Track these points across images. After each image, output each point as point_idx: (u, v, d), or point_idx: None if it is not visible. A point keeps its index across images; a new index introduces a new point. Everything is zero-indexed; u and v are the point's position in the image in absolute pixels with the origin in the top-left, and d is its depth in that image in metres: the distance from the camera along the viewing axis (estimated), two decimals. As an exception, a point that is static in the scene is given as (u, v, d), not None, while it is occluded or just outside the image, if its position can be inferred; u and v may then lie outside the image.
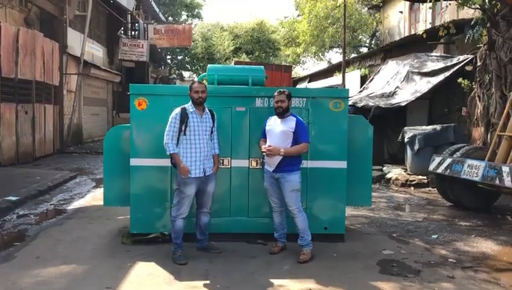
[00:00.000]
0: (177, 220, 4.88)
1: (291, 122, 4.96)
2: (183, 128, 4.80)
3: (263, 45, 36.45)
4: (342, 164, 5.50)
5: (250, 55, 35.52)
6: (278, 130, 4.99)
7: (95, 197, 8.41)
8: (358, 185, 5.74)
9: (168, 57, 39.23)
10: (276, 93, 5.04)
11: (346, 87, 12.77)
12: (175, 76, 40.86)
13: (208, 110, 5.02)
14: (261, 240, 5.52)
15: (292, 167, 4.95)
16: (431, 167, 7.95)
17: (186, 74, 43.82)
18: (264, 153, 5.06)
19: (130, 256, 5.05)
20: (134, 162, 5.40)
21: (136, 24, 25.90)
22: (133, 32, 25.87)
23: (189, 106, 4.90)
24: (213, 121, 5.02)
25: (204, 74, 6.13)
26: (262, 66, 6.24)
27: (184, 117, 4.81)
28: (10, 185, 8.68)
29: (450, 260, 5.11)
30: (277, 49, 36.49)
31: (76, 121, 17.13)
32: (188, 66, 41.24)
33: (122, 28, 24.42)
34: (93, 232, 6.06)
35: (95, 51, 19.89)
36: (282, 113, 5.00)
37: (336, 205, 5.57)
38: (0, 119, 11.55)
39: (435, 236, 6.07)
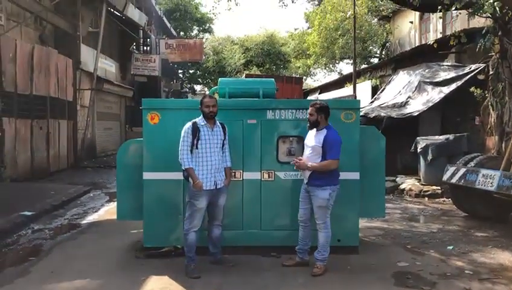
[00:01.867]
0: (190, 234, 4.90)
1: (321, 137, 4.89)
2: (195, 142, 4.83)
3: (273, 57, 36.58)
4: (355, 175, 5.48)
5: (261, 68, 35.68)
6: (310, 144, 4.98)
7: (108, 211, 8.46)
8: (372, 197, 5.70)
9: (180, 71, 39.56)
10: (310, 105, 5.02)
11: (357, 98, 12.76)
12: (187, 90, 41.16)
13: (219, 124, 5.05)
14: (275, 253, 5.49)
15: (321, 181, 4.88)
16: (445, 177, 7.87)
17: (197, 88, 44.15)
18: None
19: (144, 270, 5.06)
20: (147, 175, 5.44)
21: (148, 39, 26.21)
22: (145, 48, 26.18)
23: (200, 120, 4.94)
24: (224, 134, 5.05)
25: (215, 87, 6.17)
26: (273, 79, 6.27)
27: (195, 131, 4.85)
28: (25, 200, 8.77)
29: (466, 271, 5.03)
30: (287, 62, 36.60)
31: (89, 135, 17.30)
32: (200, 79, 41.54)
33: (135, 44, 24.72)
34: (107, 247, 6.09)
35: (108, 66, 20.15)
36: (311, 126, 4.98)
37: (349, 216, 5.53)
38: (16, 135, 11.72)
39: (451, 247, 5.99)
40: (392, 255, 5.61)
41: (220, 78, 6.25)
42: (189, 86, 42.65)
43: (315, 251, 5.05)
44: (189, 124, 4.89)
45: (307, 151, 5.00)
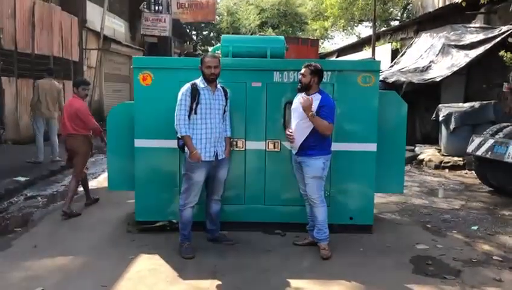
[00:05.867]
0: (186, 210, 4.36)
1: (314, 102, 4.29)
2: (193, 106, 4.23)
3: (290, 18, 35.36)
4: (371, 147, 4.86)
5: (276, 30, 34.52)
6: (300, 110, 4.37)
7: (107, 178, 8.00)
8: (390, 171, 5.09)
9: (194, 32, 38.63)
10: (303, 66, 4.41)
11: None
12: (200, 52, 40.29)
13: (220, 87, 4.44)
14: (279, 230, 4.97)
15: (314, 150, 4.32)
16: (470, 149, 7.23)
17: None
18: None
19: (134, 247, 4.59)
20: (139, 143, 4.90)
21: (159, -2, 25.32)
22: (156, 7, 25.30)
23: (199, 82, 4.32)
24: (226, 100, 4.45)
25: (217, 45, 5.54)
26: (283, 37, 5.59)
27: (195, 94, 4.23)
28: (22, 164, 8.38)
29: (494, 257, 4.44)
30: (304, 23, 35.36)
31: (97, 97, 16.79)
32: (213, 41, 40.58)
33: (145, 2, 23.85)
34: (100, 218, 5.64)
35: (117, 26, 19.44)
36: (301, 89, 4.40)
37: (363, 192, 4.96)
38: (17, 96, 11.26)
39: (475, 227, 5.40)
40: (410, 236, 5.05)
41: (222, 36, 5.59)
42: (202, 48, 41.73)
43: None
44: (187, 86, 4.27)
45: (297, 119, 4.39)
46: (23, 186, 7.12)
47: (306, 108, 4.21)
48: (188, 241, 4.40)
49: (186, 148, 4.29)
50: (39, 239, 4.88)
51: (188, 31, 34.99)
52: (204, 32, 40.03)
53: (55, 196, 6.89)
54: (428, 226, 5.44)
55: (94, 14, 16.27)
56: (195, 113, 4.26)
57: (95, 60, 16.28)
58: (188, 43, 35.72)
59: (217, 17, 34.39)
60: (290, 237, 4.82)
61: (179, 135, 4.30)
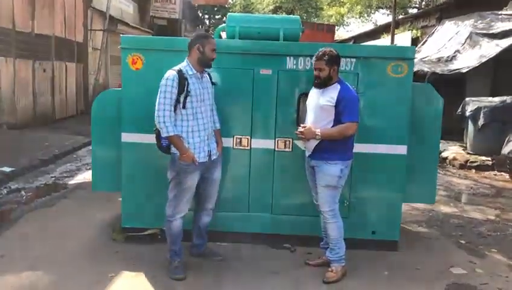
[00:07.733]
0: (175, 221, 3.63)
1: (332, 93, 3.53)
2: (181, 99, 3.46)
3: (305, 4, 34.23)
4: (401, 149, 4.10)
5: (291, 15, 33.51)
6: (316, 104, 3.63)
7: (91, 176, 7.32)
8: (420, 177, 4.32)
9: (206, 16, 37.74)
10: (314, 58, 3.64)
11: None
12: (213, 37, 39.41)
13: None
14: (288, 245, 4.25)
15: (331, 153, 3.57)
16: (505, 150, 6.49)
17: (224, 35, 42.27)
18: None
19: (117, 260, 3.91)
20: (126, 137, 4.18)
21: (170, -21, 24.44)
22: (167, -12, 24.46)
23: (186, 68, 3.54)
24: (212, 84, 3.73)
25: (222, 25, 4.78)
26: (298, 17, 4.81)
27: (183, 84, 3.44)
28: (12, 152, 7.75)
29: (548, 289, 3.70)
30: (320, 9, 34.25)
31: (102, 81, 16.10)
32: (226, 26, 39.68)
33: (155, -17, 23.03)
34: (85, 220, 4.95)
35: (125, 7, 18.69)
36: (320, 85, 3.61)
37: (389, 202, 4.20)
38: (15, 77, 10.61)
39: (518, 245, 4.63)
40: (443, 255, 4.29)
41: (228, 14, 4.82)
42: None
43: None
44: (172, 74, 3.45)
45: (312, 115, 3.68)
46: (8, 178, 6.48)
47: (309, 137, 3.61)
48: (179, 259, 3.68)
49: (173, 149, 3.55)
50: (10, 246, 4.23)
51: (200, 14, 34.11)
52: (217, 17, 39.05)
53: (41, 190, 6.21)
54: (462, 242, 4.67)
55: (101, -7, 15.53)
56: (184, 107, 3.48)
57: (100, 42, 15.58)
58: (199, 27, 34.88)
59: (230, 0, 33.51)
60: (301, 254, 4.11)
61: (163, 135, 3.50)
